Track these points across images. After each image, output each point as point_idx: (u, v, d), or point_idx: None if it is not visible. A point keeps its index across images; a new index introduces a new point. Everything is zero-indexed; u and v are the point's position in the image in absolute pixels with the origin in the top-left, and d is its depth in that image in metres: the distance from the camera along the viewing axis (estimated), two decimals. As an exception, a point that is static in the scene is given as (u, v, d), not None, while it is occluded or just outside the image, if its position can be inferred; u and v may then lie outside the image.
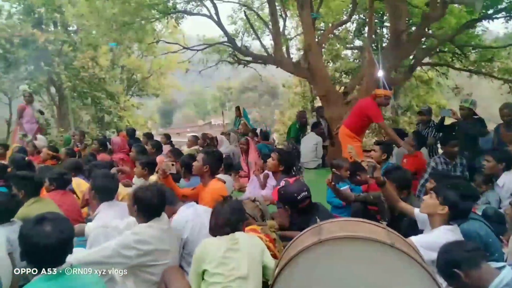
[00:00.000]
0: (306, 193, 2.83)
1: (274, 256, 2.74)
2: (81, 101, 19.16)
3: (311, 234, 2.16)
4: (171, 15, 10.00)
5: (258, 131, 9.09)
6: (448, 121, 5.88)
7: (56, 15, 16.98)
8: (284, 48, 9.99)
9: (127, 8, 8.57)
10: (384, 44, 10.37)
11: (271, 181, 5.40)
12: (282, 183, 3.06)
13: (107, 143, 7.17)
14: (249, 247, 2.29)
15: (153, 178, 4.37)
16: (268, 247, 2.79)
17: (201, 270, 2.21)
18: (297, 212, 2.93)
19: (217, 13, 9.59)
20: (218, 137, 7.83)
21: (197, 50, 11.47)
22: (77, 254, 2.24)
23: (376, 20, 10.53)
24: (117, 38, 9.76)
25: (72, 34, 17.73)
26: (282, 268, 2.08)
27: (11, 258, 2.63)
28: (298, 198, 2.80)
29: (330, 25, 11.43)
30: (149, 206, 2.41)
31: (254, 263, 2.26)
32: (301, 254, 2.05)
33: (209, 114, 49.61)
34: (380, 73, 7.36)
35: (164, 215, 2.50)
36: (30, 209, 3.42)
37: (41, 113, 8.75)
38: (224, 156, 4.37)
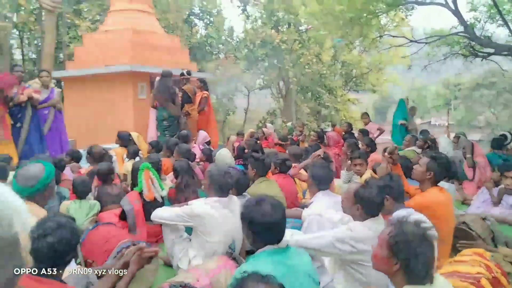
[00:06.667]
0: None
1: (506, 292, 2.25)
2: (303, 94, 20.85)
3: None
4: (400, 7, 9.51)
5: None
6: None
7: (291, 17, 18.91)
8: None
9: (355, 4, 8.66)
10: None
11: (509, 199, 4.47)
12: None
13: (324, 136, 7.52)
14: None
15: (366, 176, 4.30)
16: (499, 280, 2.30)
17: None
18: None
19: (454, 0, 8.52)
20: (439, 139, 7.03)
21: (425, 43, 10.54)
22: (296, 236, 2.43)
23: None
24: (343, 34, 10.04)
25: (302, 34, 19.40)
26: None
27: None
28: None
29: None
30: (370, 205, 2.36)
31: None
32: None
33: (429, 113, 45.26)
34: None
35: (380, 216, 2.41)
36: (259, 187, 3.95)
37: None
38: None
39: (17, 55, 20.20)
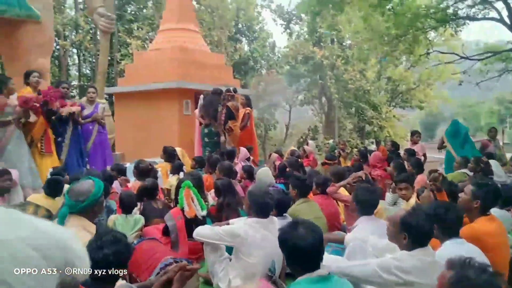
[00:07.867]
0: None
1: None
2: (346, 111, 20.55)
3: None
4: (450, 22, 9.17)
5: None
6: None
7: (333, 33, 18.86)
8: None
9: (402, 20, 8.46)
10: None
11: None
12: None
13: (367, 155, 7.29)
14: None
15: (412, 201, 4.10)
16: None
17: None
18: None
19: (510, 15, 8.08)
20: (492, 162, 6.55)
21: (478, 60, 10.04)
22: (338, 263, 2.37)
23: None
24: (388, 51, 9.82)
25: (345, 50, 19.27)
26: None
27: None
28: None
29: None
30: (418, 234, 2.22)
31: None
32: None
33: (482, 131, 42.89)
34: None
35: (429, 247, 2.28)
36: (299, 208, 3.90)
37: None
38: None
39: (74, 71, 21.66)
